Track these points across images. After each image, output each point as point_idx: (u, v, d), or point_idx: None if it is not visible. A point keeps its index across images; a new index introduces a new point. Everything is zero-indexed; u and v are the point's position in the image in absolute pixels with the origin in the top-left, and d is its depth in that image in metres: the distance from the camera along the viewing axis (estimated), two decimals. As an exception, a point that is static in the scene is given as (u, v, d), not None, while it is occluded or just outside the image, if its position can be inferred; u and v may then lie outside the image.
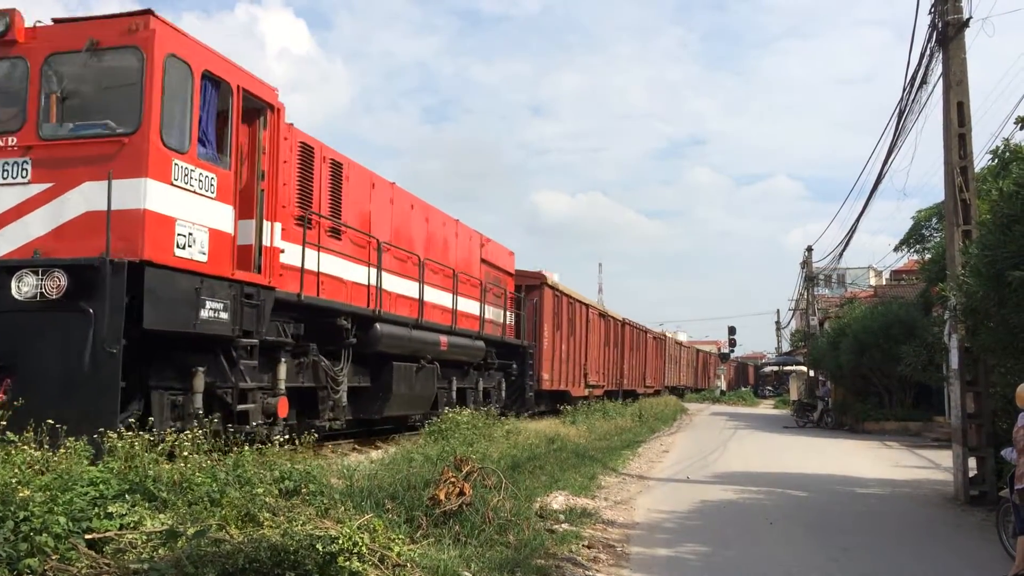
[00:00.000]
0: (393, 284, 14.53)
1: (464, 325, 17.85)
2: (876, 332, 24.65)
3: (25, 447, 6.17)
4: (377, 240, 13.77)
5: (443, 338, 16.32)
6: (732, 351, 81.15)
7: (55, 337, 8.14)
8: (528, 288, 23.11)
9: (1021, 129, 14.61)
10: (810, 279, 39.44)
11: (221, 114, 9.86)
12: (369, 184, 14.06)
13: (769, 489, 12.29)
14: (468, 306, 18.33)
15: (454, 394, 17.32)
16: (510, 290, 21.91)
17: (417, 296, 15.43)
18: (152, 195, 8.51)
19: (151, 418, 8.06)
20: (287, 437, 9.04)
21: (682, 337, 75.67)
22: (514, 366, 21.36)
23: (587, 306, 29.47)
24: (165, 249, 8.67)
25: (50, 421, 7.10)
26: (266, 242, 10.44)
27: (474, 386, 19.06)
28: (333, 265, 12.44)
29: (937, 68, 12.44)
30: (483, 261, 19.94)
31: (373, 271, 13.66)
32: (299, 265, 11.38)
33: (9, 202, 8.68)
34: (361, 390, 13.85)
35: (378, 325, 13.55)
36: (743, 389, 79.20)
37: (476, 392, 19.03)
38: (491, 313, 19.98)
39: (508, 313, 21.47)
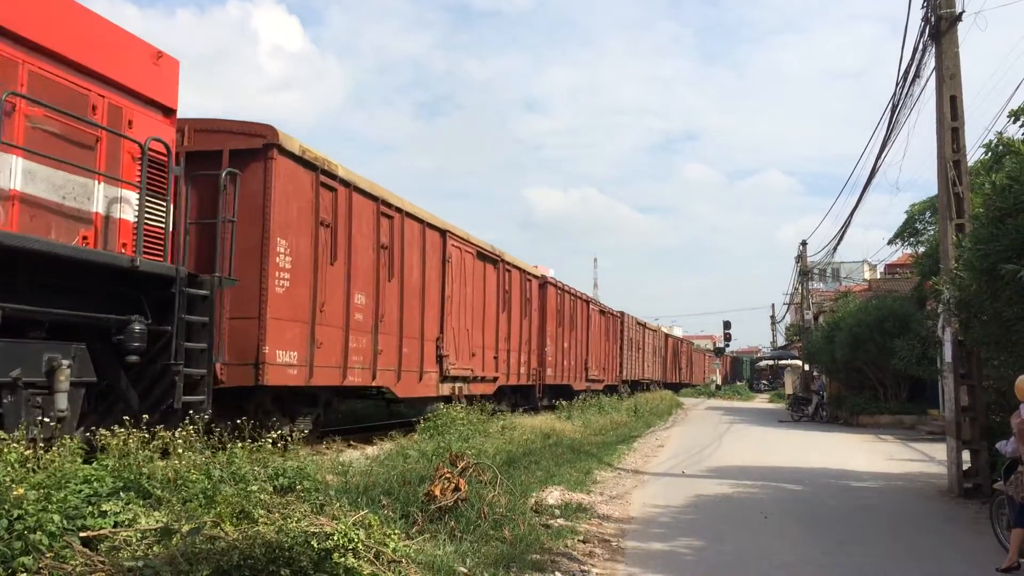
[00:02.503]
0: None
1: None
2: (870, 326, 24.75)
3: (18, 445, 6.15)
4: None
5: None
6: (727, 345, 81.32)
7: None
8: (237, 157, 10.67)
9: (1014, 123, 14.68)
10: (804, 273, 39.49)
11: None
12: None
13: (764, 483, 12.32)
14: None
15: None
16: (155, 147, 8.85)
17: None
18: None
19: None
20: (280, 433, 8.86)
21: (677, 332, 75.65)
22: (136, 329, 8.56)
23: (443, 232, 16.65)
24: None
25: (44, 419, 7.08)
26: None
27: None
28: None
29: (930, 62, 12.47)
30: None
31: None
32: None
33: None
34: None
35: None
36: (738, 384, 79.50)
37: None
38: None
39: (118, 195, 8.71)
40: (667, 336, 55.51)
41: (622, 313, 36.88)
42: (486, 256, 19.49)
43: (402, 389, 14.85)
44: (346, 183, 12.78)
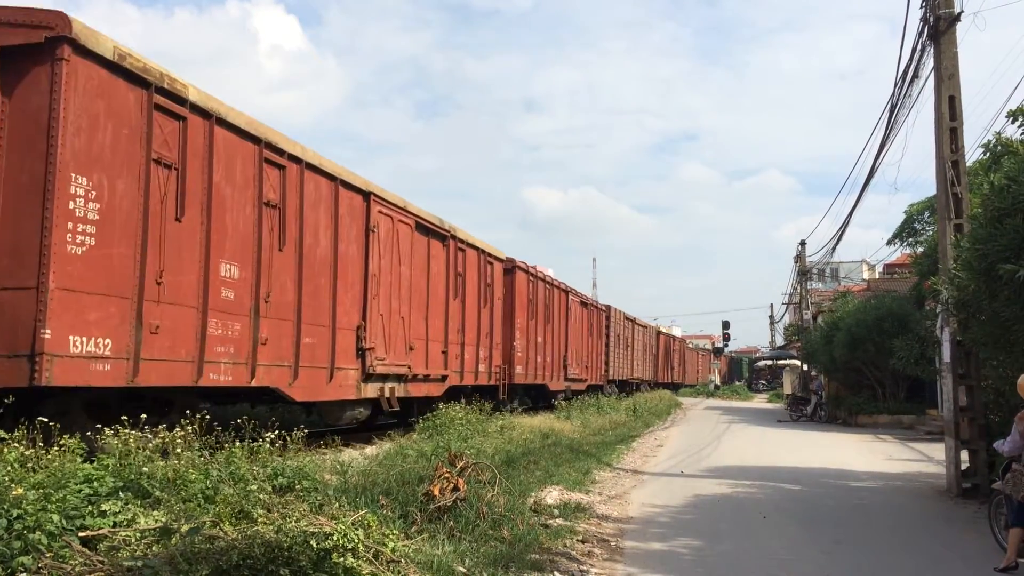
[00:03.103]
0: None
1: None
2: (869, 326, 24.77)
3: (18, 445, 6.15)
4: None
5: None
6: (726, 345, 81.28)
7: None
8: (12, 58, 7.80)
9: (1012, 123, 14.69)
10: (803, 273, 39.53)
11: None
12: None
13: (763, 483, 12.34)
14: None
15: None
16: None
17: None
18: None
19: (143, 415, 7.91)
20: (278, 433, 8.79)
21: (676, 332, 75.37)
22: None
23: (367, 194, 13.36)
24: None
25: (43, 419, 7.08)
26: None
27: None
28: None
29: (929, 62, 12.49)
30: None
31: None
32: None
33: None
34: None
35: None
36: (737, 383, 79.53)
37: None
38: None
39: None
40: (659, 333, 51.99)
41: (608, 307, 34.27)
42: (430, 229, 15.91)
43: (302, 390, 11.35)
44: (204, 112, 9.46)
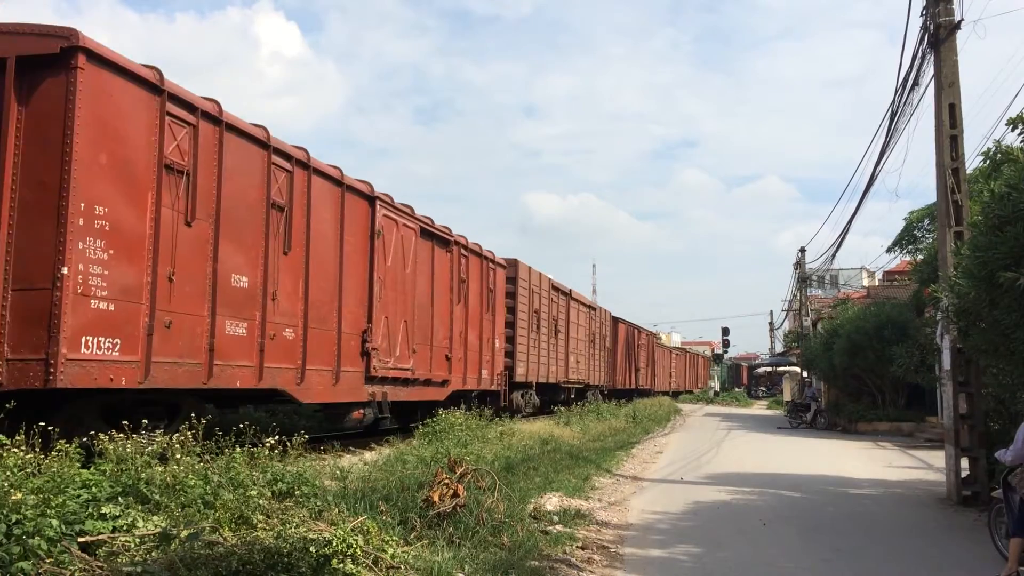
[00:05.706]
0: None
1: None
2: (869, 333, 24.77)
3: (17, 450, 6.14)
4: None
5: None
6: (726, 352, 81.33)
7: None
8: None
9: (1012, 131, 14.70)
10: (803, 280, 39.55)
11: None
12: None
13: (762, 490, 12.32)
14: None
15: None
16: None
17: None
18: None
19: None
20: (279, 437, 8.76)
21: (676, 338, 75.15)
22: None
23: None
24: None
25: (42, 423, 7.07)
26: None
27: None
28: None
29: (929, 70, 12.50)
30: None
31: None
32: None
33: None
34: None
35: None
36: (736, 390, 79.53)
37: None
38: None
39: None
40: (616, 320, 38.35)
41: (515, 261, 21.98)
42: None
43: None
44: None
